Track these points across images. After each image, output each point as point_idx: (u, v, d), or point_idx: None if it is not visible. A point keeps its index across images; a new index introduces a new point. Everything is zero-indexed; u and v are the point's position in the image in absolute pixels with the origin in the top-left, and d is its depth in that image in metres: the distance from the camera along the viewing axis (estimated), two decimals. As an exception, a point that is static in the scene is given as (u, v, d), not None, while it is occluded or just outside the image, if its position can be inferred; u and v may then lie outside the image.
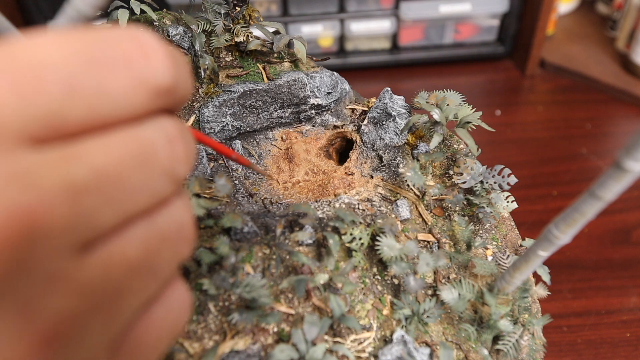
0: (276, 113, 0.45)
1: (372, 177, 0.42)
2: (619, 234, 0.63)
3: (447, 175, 0.40)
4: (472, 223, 0.38)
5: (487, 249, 0.38)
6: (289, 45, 0.47)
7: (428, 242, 0.37)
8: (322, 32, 0.90)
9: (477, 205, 0.38)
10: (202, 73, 0.43)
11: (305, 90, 0.44)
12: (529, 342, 0.33)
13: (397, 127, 0.42)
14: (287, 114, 0.45)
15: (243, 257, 0.33)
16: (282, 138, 0.46)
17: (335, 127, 0.46)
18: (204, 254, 0.32)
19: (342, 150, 0.48)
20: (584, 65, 0.91)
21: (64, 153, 0.13)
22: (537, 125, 0.82)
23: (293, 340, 0.30)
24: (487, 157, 0.65)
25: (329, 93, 0.45)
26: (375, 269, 0.35)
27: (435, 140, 0.37)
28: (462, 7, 0.89)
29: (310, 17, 0.88)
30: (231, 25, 0.44)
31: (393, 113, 0.42)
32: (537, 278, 0.36)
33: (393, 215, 0.38)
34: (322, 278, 0.32)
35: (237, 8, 0.44)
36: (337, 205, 0.38)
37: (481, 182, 0.38)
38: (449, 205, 0.39)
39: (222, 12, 0.44)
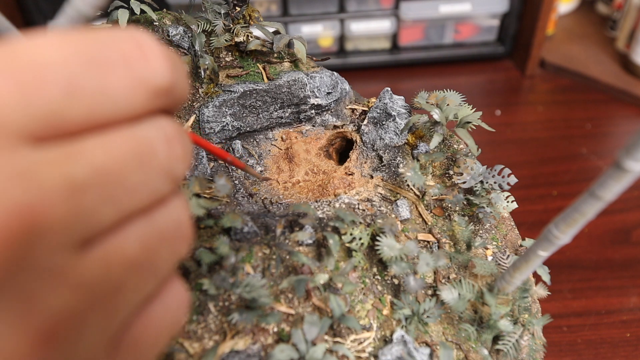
0: (276, 113, 0.45)
1: (372, 177, 0.42)
2: (619, 234, 0.63)
3: (447, 175, 0.40)
4: (472, 223, 0.38)
5: (487, 249, 0.38)
6: (289, 45, 0.47)
7: (428, 242, 0.37)
8: (322, 32, 0.90)
9: (477, 205, 0.38)
10: (202, 73, 0.43)
11: (305, 90, 0.44)
12: (529, 342, 0.33)
13: (397, 127, 0.42)
14: (287, 114, 0.45)
15: (243, 257, 0.33)
16: (282, 138, 0.46)
17: (335, 127, 0.46)
18: (204, 254, 0.32)
19: (342, 150, 0.48)
20: (584, 65, 0.91)
21: (65, 151, 0.14)
22: (537, 125, 0.82)
23: (293, 340, 0.30)
24: (487, 157, 0.65)
25: (329, 93, 0.45)
26: (375, 269, 0.35)
27: (435, 140, 0.37)
28: (462, 7, 0.89)
29: (310, 17, 0.88)
30: (231, 25, 0.44)
31: (393, 113, 0.42)
32: (537, 278, 0.36)
33: (393, 215, 0.38)
34: (322, 278, 0.32)
35: (237, 8, 0.44)
36: (337, 205, 0.38)
37: (481, 182, 0.38)
38: (449, 205, 0.39)
39: (222, 12, 0.44)
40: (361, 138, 0.44)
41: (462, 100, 0.39)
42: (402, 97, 0.44)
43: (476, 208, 0.38)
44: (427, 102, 0.39)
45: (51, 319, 0.13)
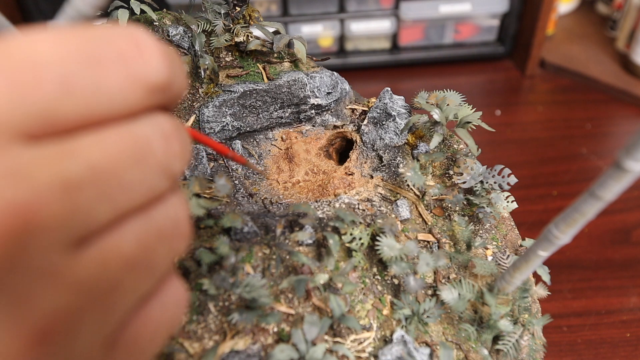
0: (276, 113, 0.45)
1: (372, 177, 0.42)
2: (619, 234, 0.63)
3: (447, 175, 0.40)
4: (472, 223, 0.38)
5: (487, 249, 0.38)
6: (289, 45, 0.47)
7: (428, 242, 0.37)
8: (322, 32, 0.90)
9: (477, 205, 0.38)
10: (202, 73, 0.43)
11: (305, 90, 0.44)
12: (529, 342, 0.33)
13: (397, 127, 0.42)
14: (287, 114, 0.45)
15: (243, 257, 0.33)
16: (282, 138, 0.46)
17: (335, 127, 0.46)
18: (204, 254, 0.32)
19: (342, 150, 0.48)
20: (584, 65, 0.91)
21: (59, 149, 0.13)
22: (537, 125, 0.82)
23: (293, 340, 0.30)
24: (487, 157, 0.65)
25: (329, 93, 0.45)
26: (375, 269, 0.35)
27: (435, 140, 0.37)
28: (462, 7, 0.89)
29: (310, 17, 0.88)
30: (231, 25, 0.44)
31: (393, 113, 0.42)
32: (537, 278, 0.36)
33: (393, 215, 0.38)
34: (322, 278, 0.32)
35: (237, 8, 0.44)
36: (337, 205, 0.38)
37: (481, 182, 0.38)
38: (449, 205, 0.39)
39: (222, 12, 0.44)
40: (361, 138, 0.44)
41: (462, 100, 0.39)
42: (402, 97, 0.44)
43: (476, 208, 0.38)
44: (427, 102, 0.39)
45: (46, 319, 0.13)
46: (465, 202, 0.39)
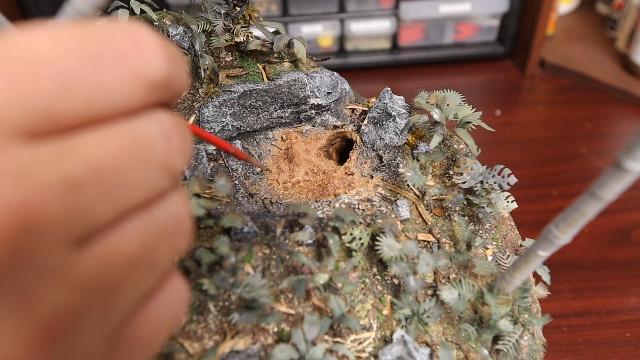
0: (276, 113, 0.45)
1: (372, 177, 0.42)
2: (619, 234, 0.63)
3: (447, 175, 0.40)
4: (472, 223, 0.38)
5: (487, 249, 0.38)
6: (289, 45, 0.47)
7: (428, 242, 0.37)
8: (322, 32, 0.90)
9: (477, 205, 0.38)
10: (202, 73, 0.43)
11: (305, 90, 0.44)
12: (529, 342, 0.33)
13: (397, 127, 0.42)
14: (287, 114, 0.45)
15: (243, 257, 0.33)
16: (282, 138, 0.46)
17: (335, 127, 0.46)
18: (204, 254, 0.32)
19: (342, 150, 0.48)
20: (584, 65, 0.91)
21: (60, 147, 0.13)
22: (537, 125, 0.82)
23: (293, 340, 0.30)
24: (487, 157, 0.65)
25: (329, 93, 0.45)
26: (375, 269, 0.35)
27: (435, 140, 0.37)
28: (462, 7, 0.89)
29: (310, 17, 0.88)
30: (231, 25, 0.44)
31: (393, 113, 0.42)
32: (537, 278, 0.36)
33: (393, 215, 0.38)
34: (322, 278, 0.32)
35: (237, 8, 0.44)
36: (337, 205, 0.38)
37: (481, 182, 0.38)
38: (449, 205, 0.39)
39: (222, 12, 0.44)
40: (361, 138, 0.44)
41: (462, 100, 0.39)
42: (402, 97, 0.44)
43: (476, 208, 0.38)
44: (427, 102, 0.39)
45: (50, 317, 0.13)
46: (465, 202, 0.39)
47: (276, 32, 0.45)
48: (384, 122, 0.42)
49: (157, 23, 0.45)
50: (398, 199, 0.39)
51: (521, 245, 0.38)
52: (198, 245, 0.34)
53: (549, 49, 0.94)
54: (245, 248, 0.34)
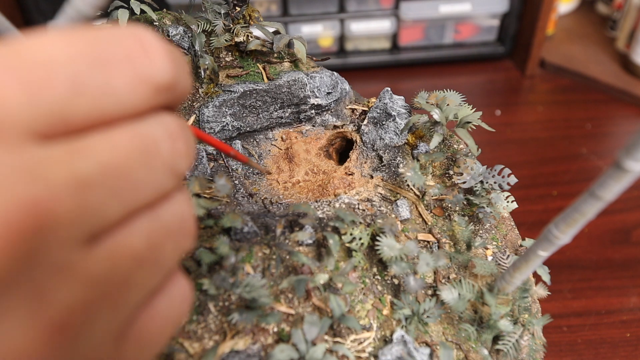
0: (276, 113, 0.45)
1: (372, 177, 0.42)
2: (619, 234, 0.63)
3: (447, 175, 0.40)
4: (472, 223, 0.38)
5: (487, 249, 0.38)
6: (289, 45, 0.47)
7: (428, 242, 0.37)
8: (322, 32, 0.90)
9: (477, 205, 0.38)
10: (202, 73, 0.43)
11: (305, 90, 0.44)
12: (529, 342, 0.33)
13: (397, 127, 0.42)
14: (287, 114, 0.45)
15: (243, 257, 0.33)
16: (282, 138, 0.46)
17: (335, 127, 0.46)
18: (204, 254, 0.32)
19: (342, 150, 0.48)
20: (584, 65, 0.91)
21: (71, 148, 0.14)
22: (537, 125, 0.82)
23: (293, 340, 0.30)
24: (487, 157, 0.65)
25: (329, 93, 0.45)
26: (375, 269, 0.35)
27: (435, 140, 0.37)
28: (462, 7, 0.89)
29: (310, 17, 0.88)
30: (231, 25, 0.44)
31: (393, 113, 0.42)
32: (537, 278, 0.36)
33: (393, 215, 0.38)
34: (322, 278, 0.32)
35: (237, 8, 0.44)
36: (337, 205, 0.38)
37: (481, 182, 0.38)
38: (449, 205, 0.39)
39: (222, 12, 0.44)
40: (361, 138, 0.44)
41: (462, 100, 0.39)
42: (402, 97, 0.44)
43: (476, 208, 0.38)
44: (427, 102, 0.39)
45: (62, 313, 0.14)
46: (465, 202, 0.39)
47: (276, 32, 0.45)
48: (384, 122, 0.42)
49: (157, 23, 0.45)
50: (398, 199, 0.39)
51: (521, 245, 0.38)
52: (198, 245, 0.34)
53: (549, 49, 0.94)
54: (245, 248, 0.34)
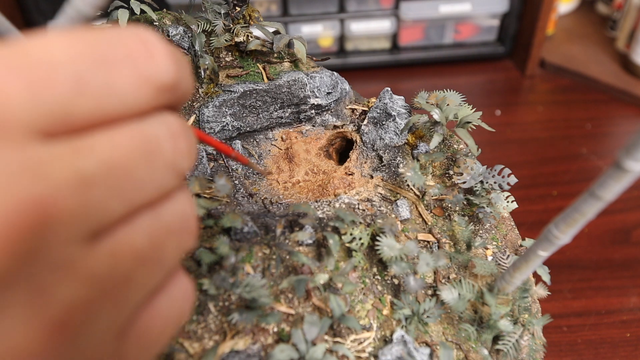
0: (276, 113, 0.45)
1: (372, 177, 0.42)
2: (619, 234, 0.63)
3: (447, 175, 0.40)
4: (472, 223, 0.38)
5: (487, 249, 0.38)
6: (289, 45, 0.47)
7: (428, 242, 0.37)
8: (322, 32, 0.90)
9: (477, 205, 0.38)
10: (202, 73, 0.43)
11: (305, 90, 0.44)
12: (529, 342, 0.33)
13: (397, 127, 0.42)
14: (287, 114, 0.45)
15: (243, 257, 0.33)
16: (282, 138, 0.46)
17: (335, 127, 0.46)
18: (204, 254, 0.32)
19: (342, 150, 0.48)
20: (584, 65, 0.91)
21: (73, 146, 0.14)
22: (537, 125, 0.82)
23: (293, 340, 0.30)
24: (487, 157, 0.65)
25: (329, 93, 0.45)
26: (375, 269, 0.35)
27: (435, 140, 0.37)
28: (462, 7, 0.89)
29: (310, 17, 0.88)
30: (231, 25, 0.44)
31: (393, 113, 0.42)
32: (537, 278, 0.36)
33: (393, 215, 0.38)
34: (322, 278, 0.32)
35: (237, 8, 0.44)
36: (337, 205, 0.38)
37: (481, 182, 0.38)
38: (449, 205, 0.39)
39: (222, 12, 0.44)
40: (361, 138, 0.44)
41: (462, 100, 0.39)
42: (402, 97, 0.44)
43: (476, 208, 0.38)
44: (427, 102, 0.39)
45: (62, 310, 0.14)
46: (465, 202, 0.39)
47: (276, 32, 0.45)
48: (384, 122, 0.42)
49: (157, 23, 0.45)
50: (398, 199, 0.39)
51: (521, 245, 0.38)
52: (198, 245, 0.34)
53: (549, 49, 0.94)
54: (245, 248, 0.34)
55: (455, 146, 0.41)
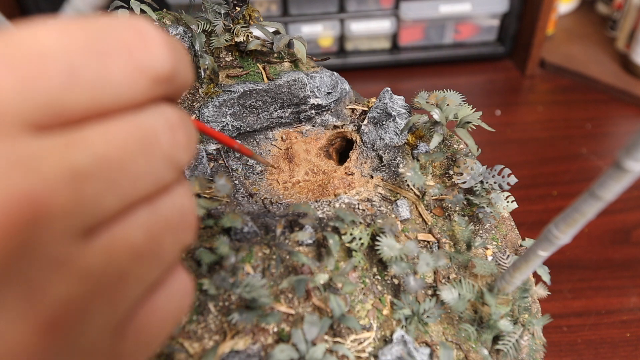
0: (276, 113, 0.45)
1: (372, 177, 0.42)
2: (619, 234, 0.63)
3: (447, 175, 0.40)
4: (472, 223, 0.38)
5: (487, 249, 0.38)
6: (289, 45, 0.47)
7: (428, 242, 0.37)
8: (322, 32, 0.90)
9: (477, 205, 0.38)
10: (202, 73, 0.43)
11: (305, 90, 0.44)
12: (529, 342, 0.33)
13: (397, 127, 0.42)
14: (287, 114, 0.45)
15: (243, 257, 0.33)
16: (282, 138, 0.46)
17: (335, 127, 0.46)
18: (204, 254, 0.32)
19: (342, 150, 0.48)
20: (584, 65, 0.91)
21: (66, 139, 0.14)
22: (537, 125, 0.82)
23: (293, 340, 0.30)
24: (487, 157, 0.65)
25: (329, 93, 0.45)
26: (375, 269, 0.35)
27: (435, 140, 0.37)
28: (462, 7, 0.89)
29: (310, 17, 0.88)
30: (231, 25, 0.44)
31: (393, 113, 0.42)
32: (537, 278, 0.36)
33: (393, 215, 0.38)
34: (322, 278, 0.32)
35: (237, 8, 0.44)
36: (337, 205, 0.38)
37: (481, 182, 0.38)
38: (449, 205, 0.39)
39: (222, 12, 0.44)
40: (361, 138, 0.44)
41: (462, 100, 0.39)
42: (402, 97, 0.44)
43: (476, 208, 0.38)
44: (427, 102, 0.39)
45: (56, 308, 0.13)
46: (465, 202, 0.39)
47: (276, 32, 0.45)
48: (384, 122, 0.42)
49: (157, 23, 0.45)
50: (398, 199, 0.39)
51: (521, 245, 0.38)
52: (198, 245, 0.34)
53: (549, 49, 0.94)
54: (245, 248, 0.34)
55: (455, 146, 0.41)
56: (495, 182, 0.37)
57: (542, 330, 0.35)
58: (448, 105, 0.38)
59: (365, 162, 0.43)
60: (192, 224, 0.18)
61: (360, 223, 0.35)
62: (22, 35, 0.14)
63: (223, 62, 0.45)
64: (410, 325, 0.32)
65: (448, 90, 0.40)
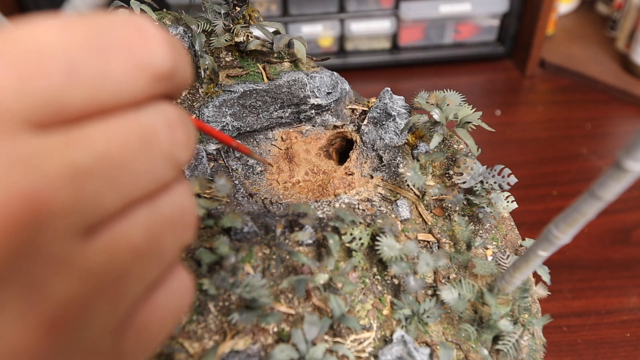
0: (276, 113, 0.45)
1: (372, 177, 0.42)
2: (619, 234, 0.63)
3: (447, 175, 0.40)
4: (472, 223, 0.38)
5: (487, 249, 0.38)
6: (289, 45, 0.47)
7: (428, 242, 0.37)
8: (322, 32, 0.90)
9: (477, 205, 0.38)
10: (202, 73, 0.43)
11: (305, 90, 0.44)
12: (529, 342, 0.33)
13: (397, 127, 0.42)
14: (287, 114, 0.45)
15: (243, 257, 0.33)
16: (282, 138, 0.46)
17: (335, 127, 0.46)
18: (204, 254, 0.32)
19: (342, 150, 0.48)
20: (584, 65, 0.91)
21: (66, 137, 0.13)
22: (537, 125, 0.82)
23: (293, 340, 0.30)
24: (487, 157, 0.65)
25: (329, 93, 0.45)
26: (375, 269, 0.35)
27: (435, 140, 0.37)
28: (462, 7, 0.89)
29: (310, 17, 0.88)
30: (231, 25, 0.44)
31: (393, 113, 0.42)
32: (537, 278, 0.36)
33: (393, 215, 0.38)
34: (322, 278, 0.32)
35: (237, 8, 0.44)
36: (337, 205, 0.38)
37: (481, 182, 0.38)
38: (449, 205, 0.39)
39: (222, 12, 0.44)
40: (361, 138, 0.44)
41: (462, 100, 0.39)
42: (402, 97, 0.44)
43: (476, 208, 0.38)
44: (427, 102, 0.39)
45: (57, 307, 0.13)
46: (465, 202, 0.39)
47: (276, 32, 0.45)
48: (384, 122, 0.42)
49: (157, 23, 0.45)
50: (398, 199, 0.39)
51: (521, 245, 0.38)
52: (198, 245, 0.34)
53: (549, 49, 0.94)
54: (245, 248, 0.34)
55: (455, 146, 0.41)
56: (495, 182, 0.37)
57: (542, 330, 0.35)
58: (448, 105, 0.38)
59: (365, 162, 0.43)
60: (192, 222, 0.18)
61: (360, 223, 0.35)
62: (21, 33, 0.13)
63: (223, 62, 0.45)
64: (410, 325, 0.32)
65: (448, 90, 0.40)
